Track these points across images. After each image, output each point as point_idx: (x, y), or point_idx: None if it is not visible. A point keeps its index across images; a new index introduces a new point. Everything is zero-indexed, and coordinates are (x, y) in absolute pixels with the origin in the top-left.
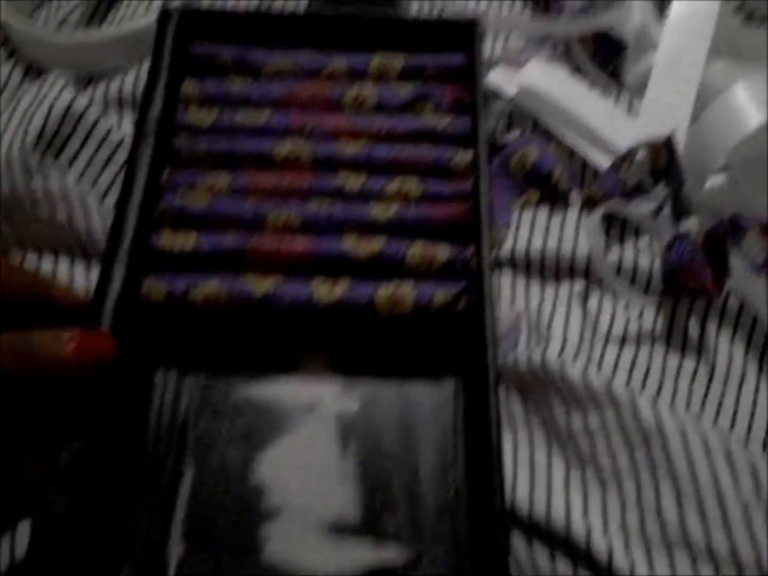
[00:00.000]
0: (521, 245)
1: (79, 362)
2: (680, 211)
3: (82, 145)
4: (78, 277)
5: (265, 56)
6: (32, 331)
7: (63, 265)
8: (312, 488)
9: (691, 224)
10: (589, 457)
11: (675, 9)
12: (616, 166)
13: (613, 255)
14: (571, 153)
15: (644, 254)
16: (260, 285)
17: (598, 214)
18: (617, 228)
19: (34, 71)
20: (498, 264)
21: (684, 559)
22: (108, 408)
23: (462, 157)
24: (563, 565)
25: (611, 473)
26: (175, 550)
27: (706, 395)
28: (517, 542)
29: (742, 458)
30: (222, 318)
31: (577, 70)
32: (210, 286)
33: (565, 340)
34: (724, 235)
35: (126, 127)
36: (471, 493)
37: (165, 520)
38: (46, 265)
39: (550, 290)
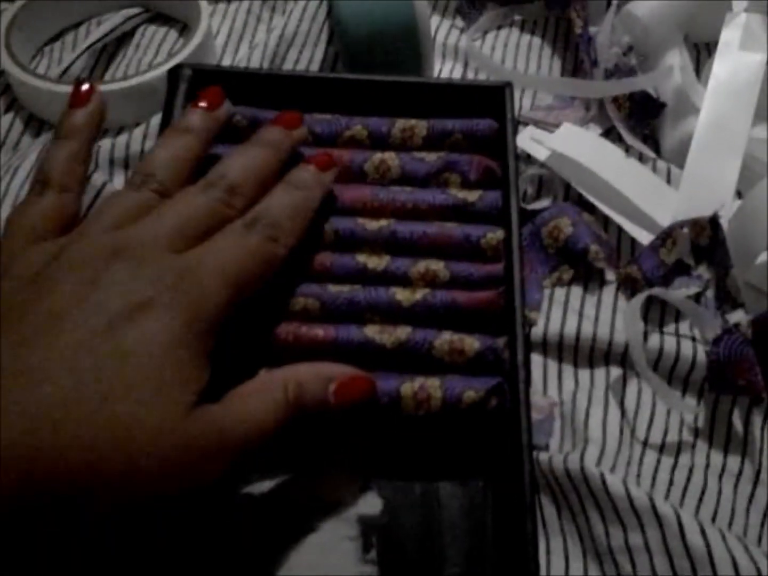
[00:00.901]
0: (554, 327)
1: (340, 405)
2: (725, 296)
3: (87, 211)
4: None
5: None
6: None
7: None
8: None
9: (740, 316)
10: None
11: (717, 70)
12: (657, 244)
13: (653, 341)
14: (605, 223)
15: (686, 342)
16: None
17: (638, 300)
18: (656, 311)
19: (34, 124)
20: (528, 346)
21: None
22: None
23: (493, 236)
24: None
25: None
26: None
27: (751, 499)
28: None
29: None
30: None
31: (609, 131)
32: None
33: (604, 444)
34: None
35: None
36: None
37: None
38: None
39: (584, 378)
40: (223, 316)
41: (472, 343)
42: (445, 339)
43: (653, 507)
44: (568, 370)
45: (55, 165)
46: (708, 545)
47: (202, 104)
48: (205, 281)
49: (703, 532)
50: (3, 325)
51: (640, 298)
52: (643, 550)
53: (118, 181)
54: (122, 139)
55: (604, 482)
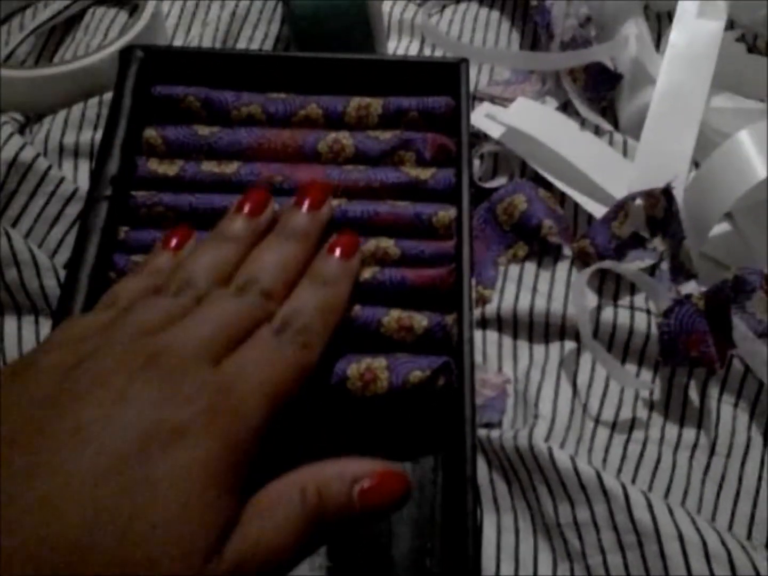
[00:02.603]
0: (508, 303)
1: (367, 509)
2: (679, 267)
3: (30, 198)
4: (26, 334)
5: (234, 99)
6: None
7: (9, 325)
8: None
9: (692, 287)
10: (578, 552)
11: (674, 39)
12: (610, 217)
13: (607, 314)
14: (562, 199)
15: (640, 314)
16: None
17: (585, 274)
18: (611, 284)
19: None
20: (483, 323)
21: None
22: None
23: (445, 214)
24: None
25: (601, 573)
26: None
27: (706, 473)
28: None
29: (745, 564)
30: None
31: (567, 104)
32: None
33: (553, 420)
34: (727, 298)
35: (81, 178)
36: None
37: None
38: None
39: (539, 353)
40: (260, 439)
41: (420, 320)
42: (393, 317)
43: (600, 482)
44: (523, 346)
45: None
46: (654, 519)
47: (245, 209)
48: (243, 400)
49: (649, 506)
50: (15, 445)
51: (588, 271)
52: (590, 524)
53: (63, 170)
54: (72, 128)
55: (552, 457)
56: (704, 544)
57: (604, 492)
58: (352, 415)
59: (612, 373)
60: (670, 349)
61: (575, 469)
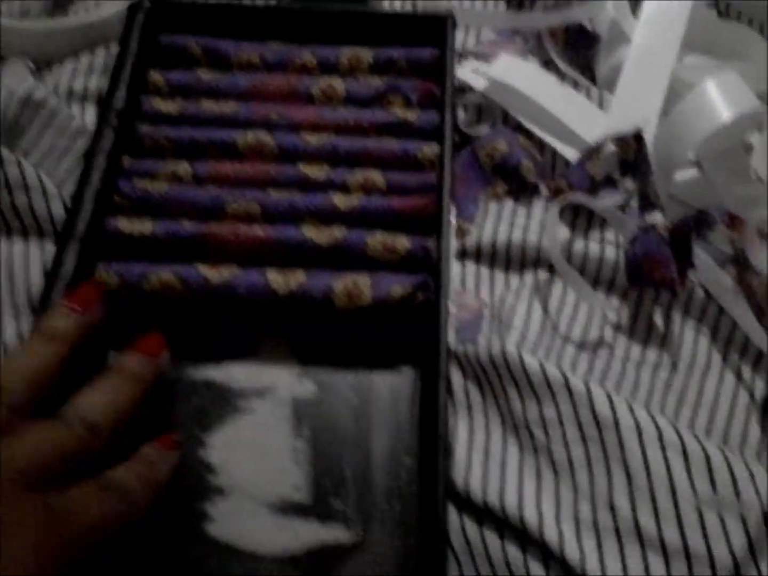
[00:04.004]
0: (487, 237)
1: None
2: (647, 204)
3: (41, 133)
4: (33, 257)
5: (234, 48)
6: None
7: (18, 248)
8: (261, 468)
9: (657, 217)
10: (543, 446)
11: (648, 4)
12: (584, 158)
13: (578, 247)
14: (541, 146)
15: (610, 247)
16: (216, 274)
17: (557, 205)
18: (583, 220)
19: None
20: (463, 255)
21: (635, 550)
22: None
23: (428, 149)
24: (514, 550)
25: (565, 464)
26: None
27: (668, 387)
28: (470, 526)
29: (698, 453)
30: (177, 305)
31: (548, 63)
32: (165, 275)
33: (525, 334)
34: (690, 228)
35: (88, 119)
36: (422, 478)
37: None
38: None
39: (514, 281)
40: None
41: (403, 242)
42: (378, 239)
43: (566, 381)
44: (499, 275)
45: None
46: (614, 412)
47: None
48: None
49: (610, 402)
50: None
51: (560, 201)
52: (556, 421)
53: (73, 111)
54: (80, 75)
55: (521, 360)
56: (660, 434)
57: (569, 390)
58: (340, 327)
59: (581, 293)
60: (635, 273)
61: (543, 371)
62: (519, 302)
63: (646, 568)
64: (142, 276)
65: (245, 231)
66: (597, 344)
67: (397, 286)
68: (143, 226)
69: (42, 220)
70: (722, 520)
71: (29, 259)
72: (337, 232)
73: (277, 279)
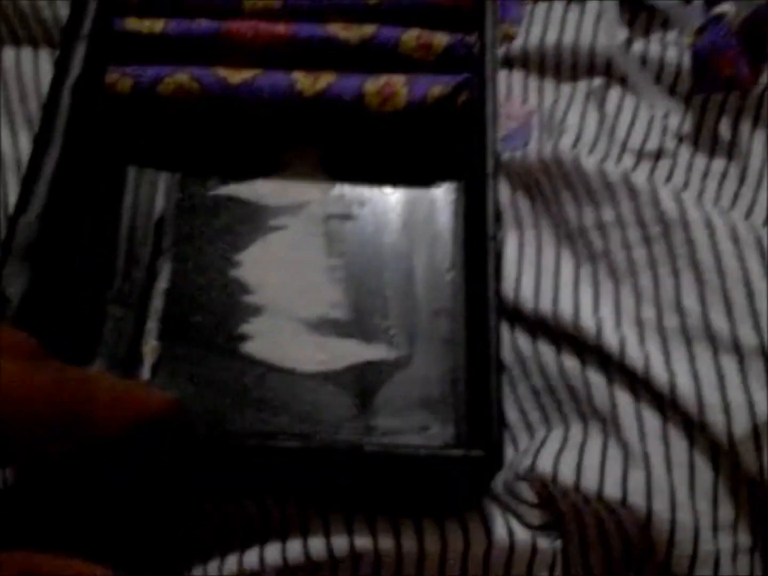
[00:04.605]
0: (534, 40)
1: None
2: None
3: None
4: (43, 64)
5: None
6: None
7: (26, 56)
8: (297, 286)
9: (726, 7)
10: (601, 252)
11: None
12: None
13: (637, 48)
14: None
15: (672, 48)
16: (236, 75)
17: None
18: (642, 19)
19: None
20: (508, 61)
21: (705, 351)
22: (74, 193)
23: None
24: (570, 360)
25: (626, 268)
26: (151, 347)
27: (735, 198)
28: (522, 340)
29: None
30: (196, 111)
31: None
32: (180, 77)
33: (579, 134)
34: (764, 19)
35: None
36: (469, 296)
37: (140, 316)
38: (8, 58)
39: (566, 89)
40: None
41: (441, 37)
42: (412, 34)
43: (627, 181)
44: (550, 84)
45: None
46: (682, 209)
47: None
48: None
49: (678, 200)
50: None
51: None
52: (615, 223)
53: None
54: None
55: (577, 162)
56: (733, 230)
57: (631, 188)
58: (375, 133)
59: (642, 93)
60: (701, 71)
61: (602, 170)
62: (572, 107)
63: (718, 370)
64: (156, 78)
65: (266, 27)
66: (658, 153)
67: (436, 86)
68: (154, 25)
69: (49, 25)
70: None
71: (39, 66)
72: (367, 29)
73: (304, 80)
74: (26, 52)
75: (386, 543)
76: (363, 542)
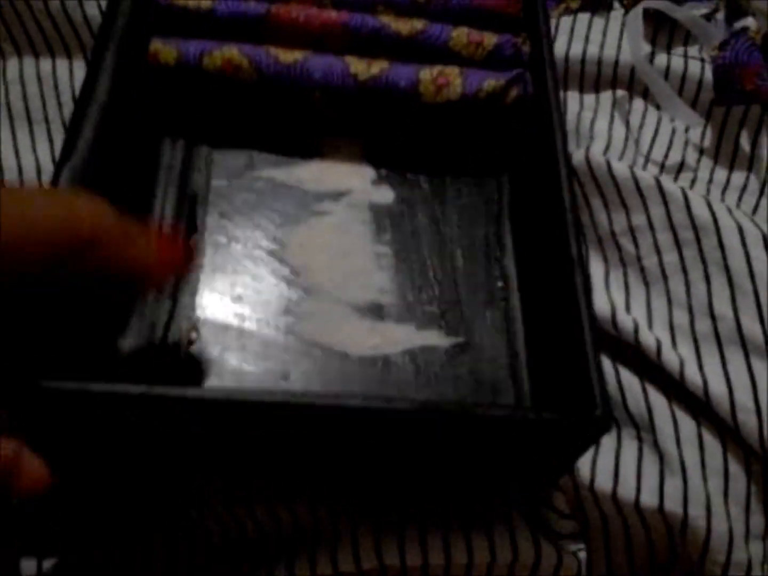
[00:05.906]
0: (559, 53)
1: None
2: (736, 13)
3: None
4: (77, 73)
5: None
6: None
7: (62, 65)
8: (345, 271)
9: (749, 21)
10: (632, 257)
11: None
12: None
13: (659, 61)
14: None
15: (694, 62)
16: (288, 54)
17: (639, 8)
18: (665, 34)
19: None
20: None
21: (736, 354)
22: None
23: None
24: (605, 360)
25: (657, 273)
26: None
27: (755, 211)
28: None
29: None
30: (241, 88)
31: None
32: (229, 52)
33: (609, 141)
34: None
35: None
36: (522, 285)
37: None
38: (45, 66)
39: (589, 100)
40: None
41: (490, 36)
42: (463, 31)
43: (659, 186)
44: (573, 95)
45: None
46: (714, 215)
47: None
48: None
49: (709, 205)
50: None
51: (641, 5)
52: (646, 228)
53: None
54: None
55: (609, 167)
56: (764, 235)
57: (663, 195)
58: (424, 123)
59: (665, 103)
60: (724, 84)
61: (633, 176)
62: (598, 116)
63: (750, 374)
64: (203, 52)
65: (316, 12)
66: (680, 166)
67: (490, 79)
68: (203, 2)
69: (79, 28)
70: None
71: (74, 75)
72: (418, 22)
73: (358, 64)
74: (62, 62)
75: (414, 559)
76: (391, 559)
